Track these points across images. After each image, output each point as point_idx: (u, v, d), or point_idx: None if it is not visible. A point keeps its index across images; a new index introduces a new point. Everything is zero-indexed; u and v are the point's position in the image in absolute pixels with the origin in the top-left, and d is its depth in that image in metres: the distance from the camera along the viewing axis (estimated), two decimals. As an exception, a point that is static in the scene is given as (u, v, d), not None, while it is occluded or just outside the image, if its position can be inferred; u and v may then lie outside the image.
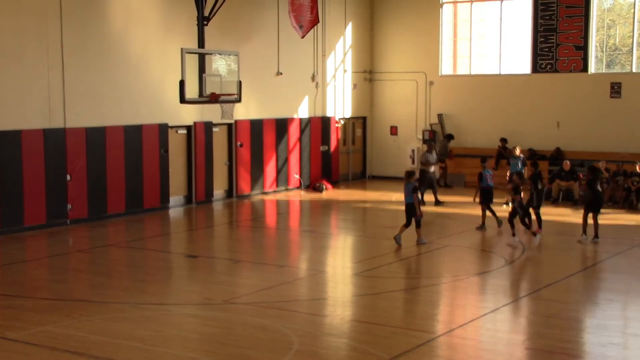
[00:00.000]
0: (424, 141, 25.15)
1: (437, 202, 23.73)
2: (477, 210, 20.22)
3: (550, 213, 22.34)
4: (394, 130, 30.82)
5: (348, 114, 30.26)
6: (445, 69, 30.20)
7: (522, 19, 28.70)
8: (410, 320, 12.04)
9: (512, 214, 18.06)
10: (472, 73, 29.83)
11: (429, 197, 23.69)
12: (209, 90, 20.24)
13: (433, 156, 24.39)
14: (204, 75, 20.19)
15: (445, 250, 17.40)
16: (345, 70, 29.88)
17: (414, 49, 30.20)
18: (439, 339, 11.02)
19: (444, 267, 16.12)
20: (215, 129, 24.16)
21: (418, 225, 17.22)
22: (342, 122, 30.00)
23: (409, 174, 17.55)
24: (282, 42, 26.27)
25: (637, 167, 23.73)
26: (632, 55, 27.32)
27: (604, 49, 28.37)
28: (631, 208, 22.86)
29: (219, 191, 24.64)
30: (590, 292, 14.09)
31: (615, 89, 27.07)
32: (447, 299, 13.61)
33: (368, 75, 31.02)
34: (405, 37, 30.39)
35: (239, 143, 24.96)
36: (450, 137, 29.00)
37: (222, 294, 13.40)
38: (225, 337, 11.06)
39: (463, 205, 23.18)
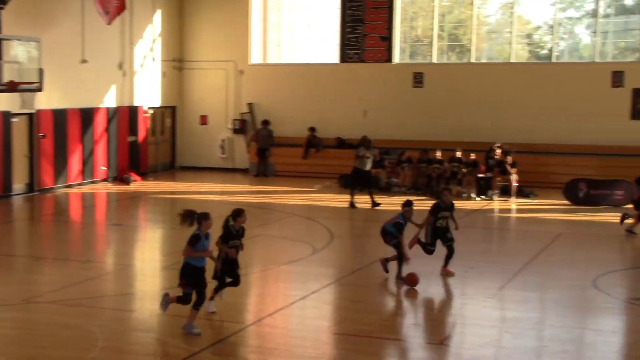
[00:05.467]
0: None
1: (374, 204, 21.41)
2: (285, 200, 20.32)
3: (356, 200, 22.95)
4: (204, 120, 30.54)
5: (157, 103, 29.66)
6: (255, 57, 30.24)
7: (330, 9, 29.22)
8: (220, 311, 11.90)
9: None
10: (282, 62, 30.04)
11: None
12: (6, 78, 19.22)
13: (372, 152, 21.99)
14: (1, 62, 19.14)
15: (256, 240, 17.41)
16: (154, 59, 29.24)
17: (224, 37, 30.01)
18: (248, 328, 11.01)
19: (254, 257, 16.07)
20: (14, 119, 22.92)
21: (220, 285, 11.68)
22: (151, 111, 29.35)
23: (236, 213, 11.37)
24: (87, 29, 25.27)
25: (438, 154, 24.81)
26: (432, 47, 28.49)
27: (407, 40, 29.41)
28: (433, 194, 23.81)
29: (18, 185, 23.35)
30: (394, 277, 14.52)
31: (418, 79, 28.14)
32: (257, 289, 13.60)
33: (177, 64, 30.52)
34: (215, 26, 30.14)
35: (41, 134, 23.81)
36: (267, 122, 29.06)
37: (21, 293, 12.69)
38: (24, 338, 10.51)
39: (275, 194, 23.33)
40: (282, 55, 30.12)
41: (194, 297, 10.62)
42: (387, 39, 28.40)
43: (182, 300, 10.72)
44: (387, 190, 24.72)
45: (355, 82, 28.76)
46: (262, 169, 28.57)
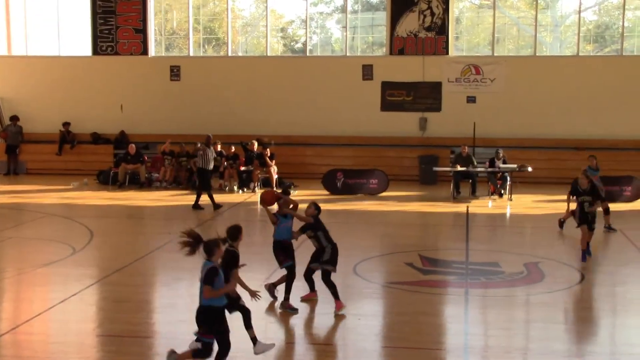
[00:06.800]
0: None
1: (215, 206, 20.22)
2: (39, 200, 19.37)
3: (117, 197, 22.39)
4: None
5: None
6: None
7: None
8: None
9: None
10: (29, 54, 28.56)
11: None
12: None
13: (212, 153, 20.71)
14: None
15: (8, 242, 16.40)
16: None
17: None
18: (2, 337, 10.29)
19: (6, 260, 15.16)
20: None
21: None
22: None
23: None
24: None
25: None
26: (189, 40, 28.28)
27: (163, 33, 28.98)
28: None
29: None
30: (159, 273, 14.28)
31: (175, 72, 27.83)
32: (11, 294, 12.79)
33: None
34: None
35: None
36: (16, 118, 27.61)
37: None
38: None
39: (28, 193, 22.17)
40: (30, 47, 28.59)
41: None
42: (142, 31, 27.83)
43: (202, 353, 8.63)
44: (148, 185, 24.33)
45: (110, 76, 27.95)
46: (12, 168, 27.10)
